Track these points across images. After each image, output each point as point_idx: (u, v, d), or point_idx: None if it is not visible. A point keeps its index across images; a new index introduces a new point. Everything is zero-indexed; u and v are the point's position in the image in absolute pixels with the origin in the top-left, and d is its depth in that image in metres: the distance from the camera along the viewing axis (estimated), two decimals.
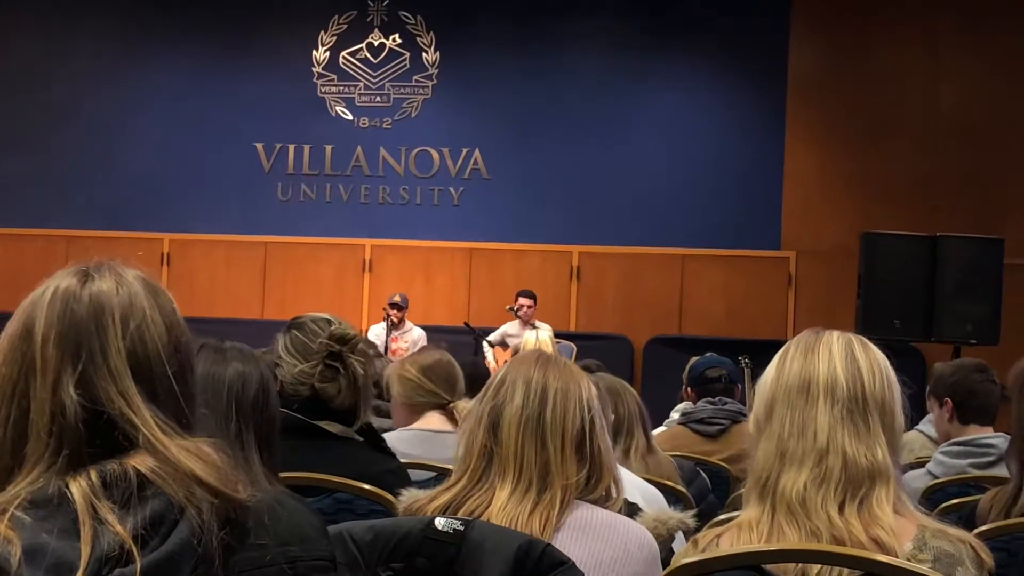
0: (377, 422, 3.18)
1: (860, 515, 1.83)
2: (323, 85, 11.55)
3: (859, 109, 10.76)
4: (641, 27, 11.13)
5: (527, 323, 9.74)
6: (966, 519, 2.70)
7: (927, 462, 3.75)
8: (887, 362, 1.95)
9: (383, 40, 11.53)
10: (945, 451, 3.69)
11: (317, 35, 11.56)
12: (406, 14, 11.50)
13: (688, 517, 2.34)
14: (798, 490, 1.84)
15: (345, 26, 11.56)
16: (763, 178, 10.92)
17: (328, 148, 11.50)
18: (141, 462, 1.25)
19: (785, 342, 2.00)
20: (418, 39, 11.49)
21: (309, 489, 2.48)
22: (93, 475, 1.23)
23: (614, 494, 2.15)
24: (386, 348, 9.47)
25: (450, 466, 2.42)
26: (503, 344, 9.73)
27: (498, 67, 11.33)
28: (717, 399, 4.64)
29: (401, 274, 11.17)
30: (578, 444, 2.10)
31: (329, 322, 2.89)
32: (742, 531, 1.88)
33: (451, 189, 11.37)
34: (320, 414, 2.81)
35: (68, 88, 11.64)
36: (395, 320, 9.91)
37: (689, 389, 4.91)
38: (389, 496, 2.48)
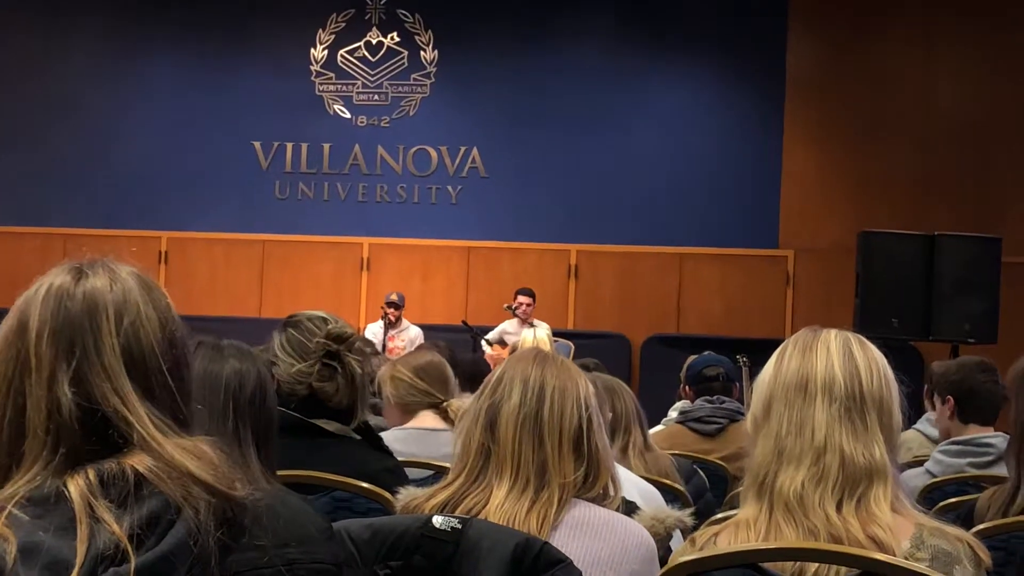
0: (373, 420, 3.18)
1: (858, 513, 1.82)
2: (321, 83, 11.55)
3: (857, 108, 10.77)
4: (639, 26, 11.13)
5: (525, 322, 9.74)
6: (964, 518, 2.70)
7: (925, 461, 3.75)
8: (885, 361, 1.95)
9: (381, 38, 11.52)
10: (944, 450, 3.69)
11: (315, 33, 11.56)
12: (404, 12, 11.50)
13: (686, 515, 2.34)
14: (796, 488, 1.84)
15: (343, 24, 11.56)
16: (761, 177, 10.92)
17: (326, 146, 11.50)
18: (139, 461, 1.24)
19: (783, 341, 2.00)
20: (416, 37, 11.49)
21: (307, 487, 2.48)
22: (91, 474, 1.23)
23: (612, 492, 2.15)
24: (383, 347, 9.47)
25: (447, 464, 2.42)
26: (501, 342, 9.73)
27: (496, 66, 11.33)
28: (715, 398, 4.64)
29: (399, 273, 11.17)
30: (576, 442, 2.09)
31: (326, 320, 2.88)
32: (740, 529, 1.88)
33: (449, 188, 11.37)
34: (317, 413, 2.80)
35: (66, 86, 11.63)
36: (392, 319, 9.91)
37: (687, 388, 4.91)
38: (387, 494, 2.48)
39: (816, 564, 1.78)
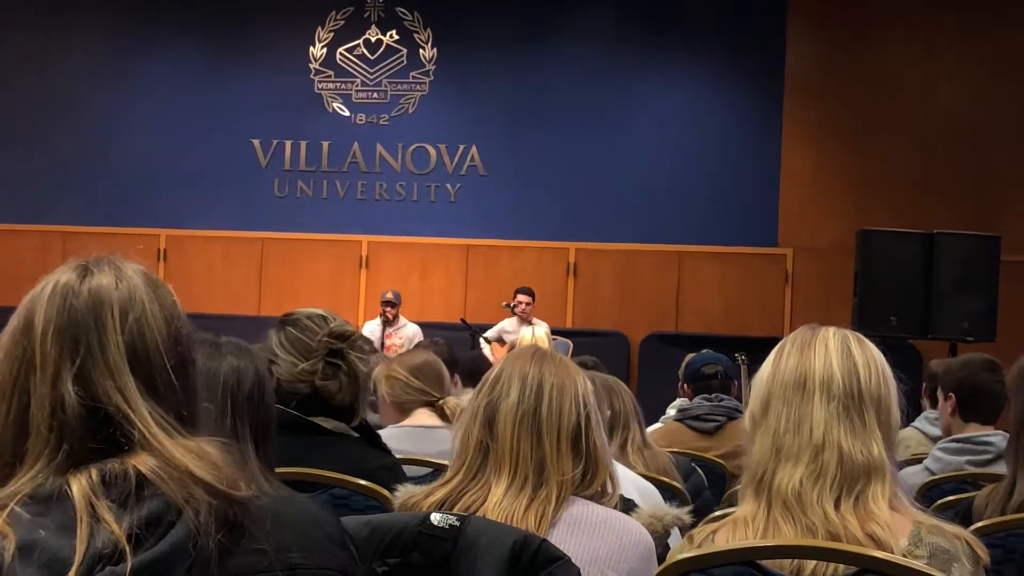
0: (370, 418, 3.18)
1: (856, 511, 1.82)
2: (320, 81, 11.54)
3: (857, 107, 10.77)
4: (639, 24, 11.12)
5: (524, 320, 9.74)
6: (962, 515, 2.70)
7: (923, 458, 3.75)
8: (883, 358, 1.95)
9: (380, 36, 11.52)
10: (943, 447, 3.68)
11: (314, 31, 11.55)
12: (403, 10, 11.49)
13: (684, 513, 2.34)
14: (794, 486, 1.84)
15: (342, 22, 11.56)
16: (760, 175, 10.92)
17: (325, 144, 11.50)
18: (142, 462, 1.24)
19: (781, 339, 2.00)
20: (415, 35, 11.49)
21: (305, 485, 2.48)
22: (94, 473, 1.23)
23: (610, 490, 2.14)
24: (381, 344, 9.47)
25: (445, 461, 2.41)
26: (500, 340, 9.73)
27: (495, 64, 11.33)
28: (713, 396, 4.64)
29: (398, 270, 11.17)
30: (574, 440, 2.09)
31: (325, 318, 2.86)
32: (738, 527, 1.88)
33: (448, 185, 11.37)
34: (319, 411, 2.79)
35: (65, 83, 11.63)
36: (389, 316, 9.91)
37: (685, 386, 4.91)
38: (385, 492, 2.48)
39: (814, 561, 1.78)
